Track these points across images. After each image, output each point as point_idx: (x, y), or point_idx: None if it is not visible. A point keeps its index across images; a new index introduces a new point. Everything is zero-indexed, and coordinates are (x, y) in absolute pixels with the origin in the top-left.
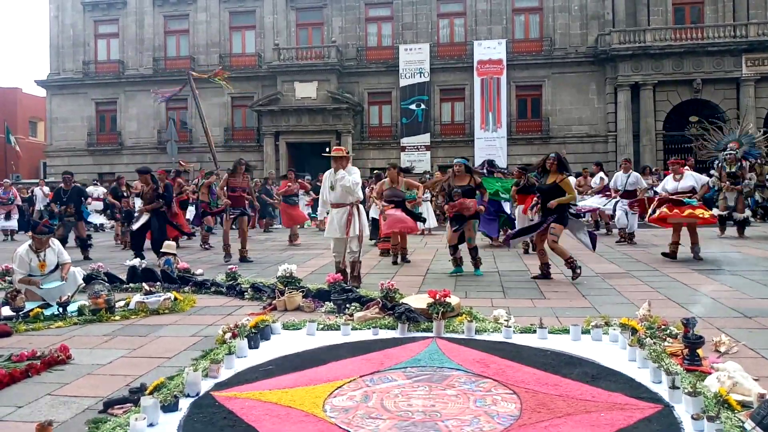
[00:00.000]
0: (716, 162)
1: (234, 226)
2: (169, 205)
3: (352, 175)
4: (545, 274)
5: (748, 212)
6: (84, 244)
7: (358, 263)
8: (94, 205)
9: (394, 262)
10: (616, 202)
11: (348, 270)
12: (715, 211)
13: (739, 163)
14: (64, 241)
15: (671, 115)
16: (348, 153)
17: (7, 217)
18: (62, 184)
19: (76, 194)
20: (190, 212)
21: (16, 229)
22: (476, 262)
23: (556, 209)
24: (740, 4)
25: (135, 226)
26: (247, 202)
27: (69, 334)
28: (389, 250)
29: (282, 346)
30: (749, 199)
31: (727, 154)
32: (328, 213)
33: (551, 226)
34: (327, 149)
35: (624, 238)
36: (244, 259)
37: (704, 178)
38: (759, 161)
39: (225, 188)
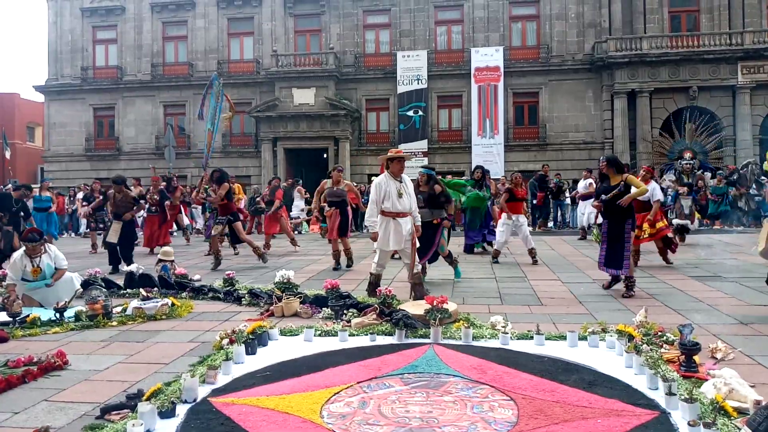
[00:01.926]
0: (669, 171)
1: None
2: (164, 209)
3: (410, 184)
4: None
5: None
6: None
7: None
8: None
9: (335, 269)
10: None
11: (412, 281)
12: (676, 221)
13: (695, 172)
14: (3, 253)
15: (667, 123)
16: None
17: None
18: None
19: (19, 205)
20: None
21: None
22: (453, 264)
23: (628, 213)
24: (736, 12)
25: (112, 239)
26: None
27: (66, 340)
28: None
29: (279, 352)
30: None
31: (685, 163)
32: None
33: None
34: (325, 155)
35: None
36: (261, 257)
37: (657, 194)
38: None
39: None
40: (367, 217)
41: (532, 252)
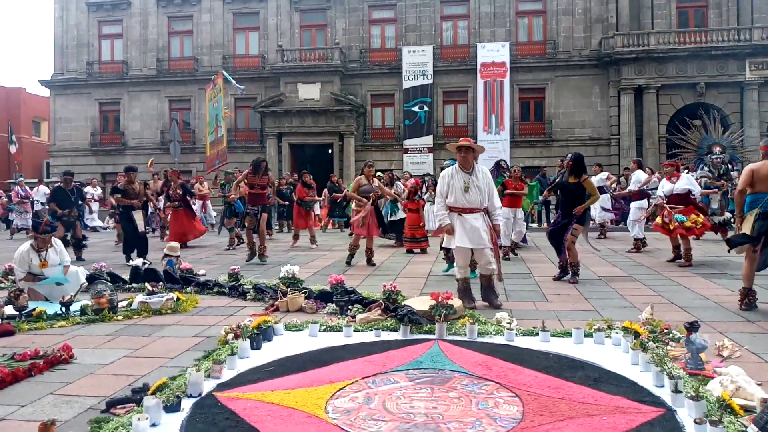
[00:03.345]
0: (701, 165)
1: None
2: (187, 204)
3: (486, 177)
4: (573, 272)
5: (728, 214)
6: (79, 245)
7: (495, 276)
8: (91, 206)
9: (348, 263)
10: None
11: (484, 283)
12: (715, 218)
13: (725, 167)
14: (64, 242)
15: (674, 119)
16: (479, 147)
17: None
18: (62, 184)
19: (78, 195)
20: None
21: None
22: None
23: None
24: (744, 8)
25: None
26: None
27: (72, 334)
28: (414, 249)
29: (284, 347)
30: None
31: (715, 158)
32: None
33: (573, 227)
34: (330, 150)
35: (637, 247)
36: (261, 257)
37: (697, 186)
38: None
39: (243, 183)
40: (435, 211)
41: (514, 245)
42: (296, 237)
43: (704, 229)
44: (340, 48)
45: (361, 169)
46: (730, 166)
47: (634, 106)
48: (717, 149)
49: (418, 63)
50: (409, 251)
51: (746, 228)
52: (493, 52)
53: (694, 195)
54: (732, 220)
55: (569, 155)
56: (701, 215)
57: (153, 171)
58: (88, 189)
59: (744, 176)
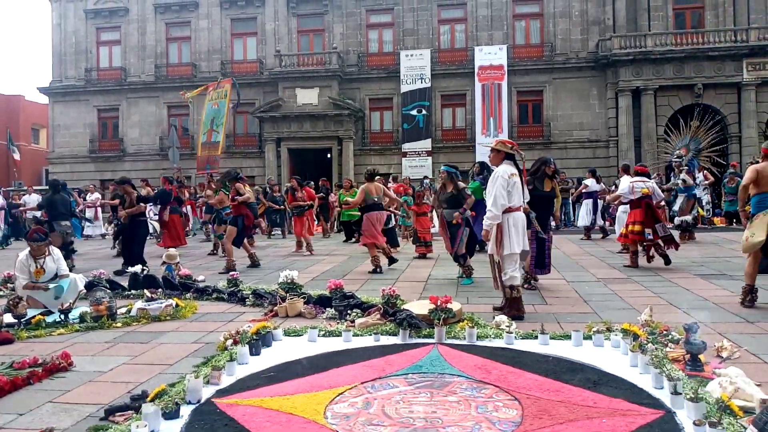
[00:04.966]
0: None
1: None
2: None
3: (493, 178)
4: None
5: (688, 218)
6: (67, 252)
7: (509, 289)
8: (87, 212)
9: (375, 271)
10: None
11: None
12: (677, 220)
13: (684, 168)
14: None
15: (672, 120)
16: (507, 148)
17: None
18: (50, 193)
19: (65, 202)
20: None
21: None
22: (466, 271)
23: (539, 217)
24: (741, 8)
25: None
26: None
27: (70, 341)
28: (425, 254)
29: (283, 352)
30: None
31: (674, 161)
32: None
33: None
34: (329, 155)
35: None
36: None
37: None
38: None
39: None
40: None
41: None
42: (299, 244)
43: (648, 242)
44: (338, 52)
45: (364, 176)
46: (686, 169)
47: (632, 107)
48: (682, 152)
49: (415, 67)
50: (422, 256)
51: (760, 229)
52: (491, 55)
53: (658, 200)
54: (691, 223)
55: (550, 158)
56: (637, 225)
57: (180, 176)
58: (90, 197)
59: (749, 174)
